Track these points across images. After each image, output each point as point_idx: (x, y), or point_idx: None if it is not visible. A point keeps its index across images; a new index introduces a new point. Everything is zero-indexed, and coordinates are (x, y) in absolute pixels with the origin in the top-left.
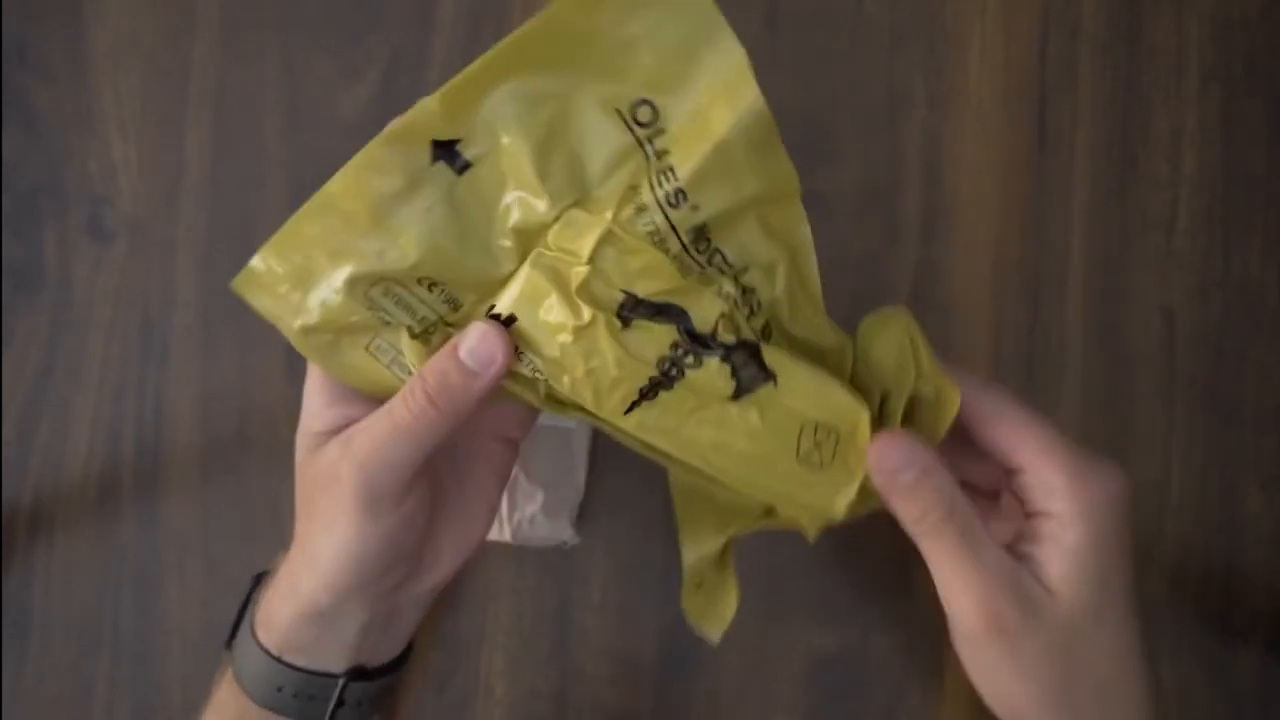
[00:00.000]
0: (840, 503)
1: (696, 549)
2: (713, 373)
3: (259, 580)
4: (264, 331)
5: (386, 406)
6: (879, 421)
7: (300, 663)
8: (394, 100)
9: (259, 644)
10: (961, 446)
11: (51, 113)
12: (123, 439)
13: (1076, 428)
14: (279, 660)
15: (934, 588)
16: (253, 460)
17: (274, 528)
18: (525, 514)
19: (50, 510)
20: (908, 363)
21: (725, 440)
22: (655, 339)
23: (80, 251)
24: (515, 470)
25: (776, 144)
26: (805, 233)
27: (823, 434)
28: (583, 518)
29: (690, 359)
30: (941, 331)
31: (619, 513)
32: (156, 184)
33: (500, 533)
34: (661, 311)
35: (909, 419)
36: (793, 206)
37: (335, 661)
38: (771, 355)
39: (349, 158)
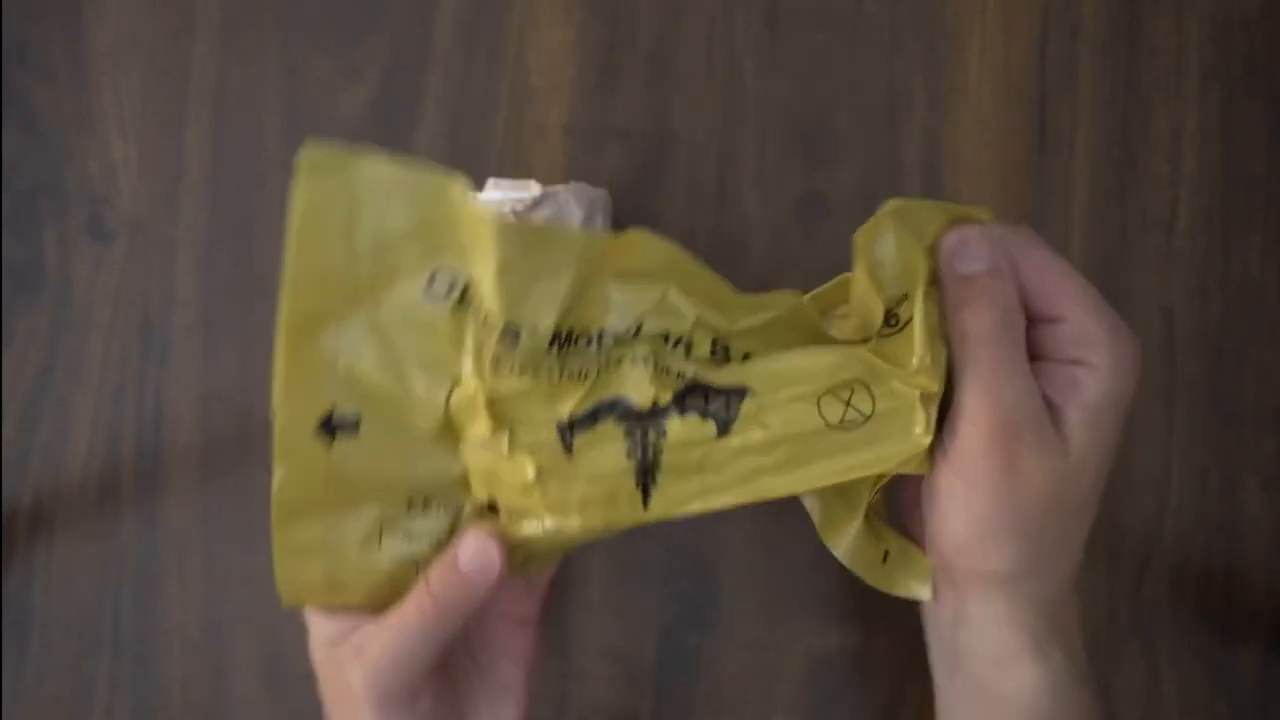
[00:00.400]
0: (917, 428)
1: (840, 538)
2: (681, 429)
3: None
4: (264, 332)
5: (396, 611)
6: (896, 321)
7: None
8: (394, 100)
9: None
10: None
11: (51, 113)
12: (123, 439)
13: None
14: None
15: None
16: (253, 460)
17: None
18: None
19: (50, 510)
20: (910, 252)
21: (754, 465)
22: (607, 439)
23: (80, 251)
24: None
25: (546, 233)
26: (660, 248)
27: (846, 393)
28: None
29: (652, 433)
30: None
31: None
32: (156, 184)
33: None
34: (594, 416)
35: (929, 314)
36: (627, 243)
37: None
38: (725, 374)
39: None
